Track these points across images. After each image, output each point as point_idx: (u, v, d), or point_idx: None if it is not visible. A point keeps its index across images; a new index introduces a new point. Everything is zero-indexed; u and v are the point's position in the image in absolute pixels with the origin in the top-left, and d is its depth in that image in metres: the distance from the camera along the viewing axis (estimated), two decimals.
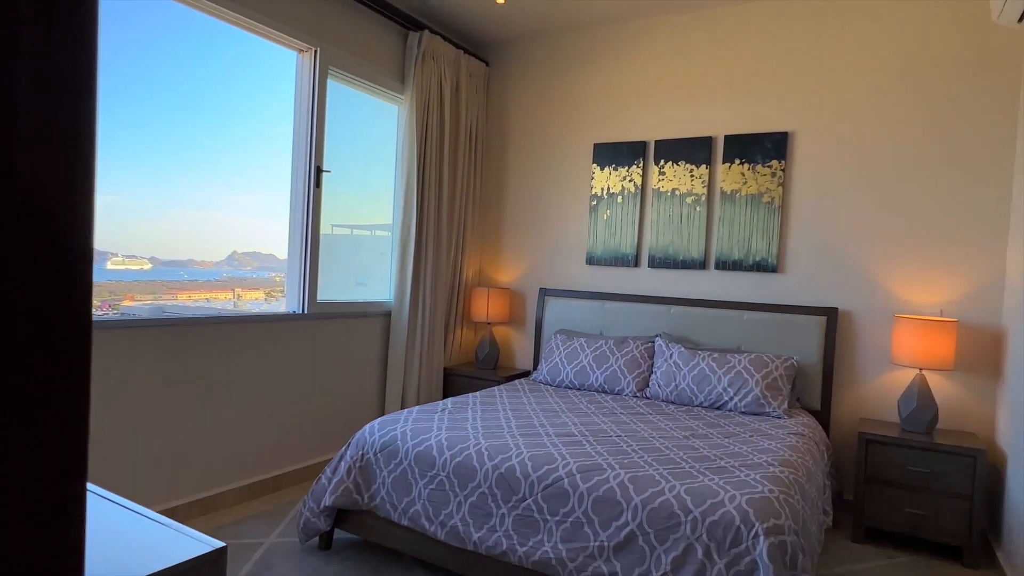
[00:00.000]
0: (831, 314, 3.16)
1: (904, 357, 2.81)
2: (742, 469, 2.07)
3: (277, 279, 3.25)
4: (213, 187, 2.81)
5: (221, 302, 3.03)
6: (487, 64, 4.28)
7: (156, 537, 0.92)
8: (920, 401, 2.79)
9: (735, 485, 1.90)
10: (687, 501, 1.82)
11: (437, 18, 3.90)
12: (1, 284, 0.37)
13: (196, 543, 0.91)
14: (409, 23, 3.65)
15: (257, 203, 3.07)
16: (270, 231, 3.16)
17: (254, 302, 3.19)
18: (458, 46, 3.93)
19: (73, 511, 0.42)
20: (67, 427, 0.41)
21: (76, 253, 0.41)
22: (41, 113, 0.39)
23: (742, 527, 1.72)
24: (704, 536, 1.75)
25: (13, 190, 0.37)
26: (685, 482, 1.92)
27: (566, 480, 1.99)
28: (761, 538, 1.68)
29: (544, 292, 3.99)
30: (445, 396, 4.00)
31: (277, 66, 3.11)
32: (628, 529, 1.84)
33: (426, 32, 3.67)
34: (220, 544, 0.98)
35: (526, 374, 4.03)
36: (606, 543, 1.86)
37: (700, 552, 1.74)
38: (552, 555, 1.93)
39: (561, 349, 3.58)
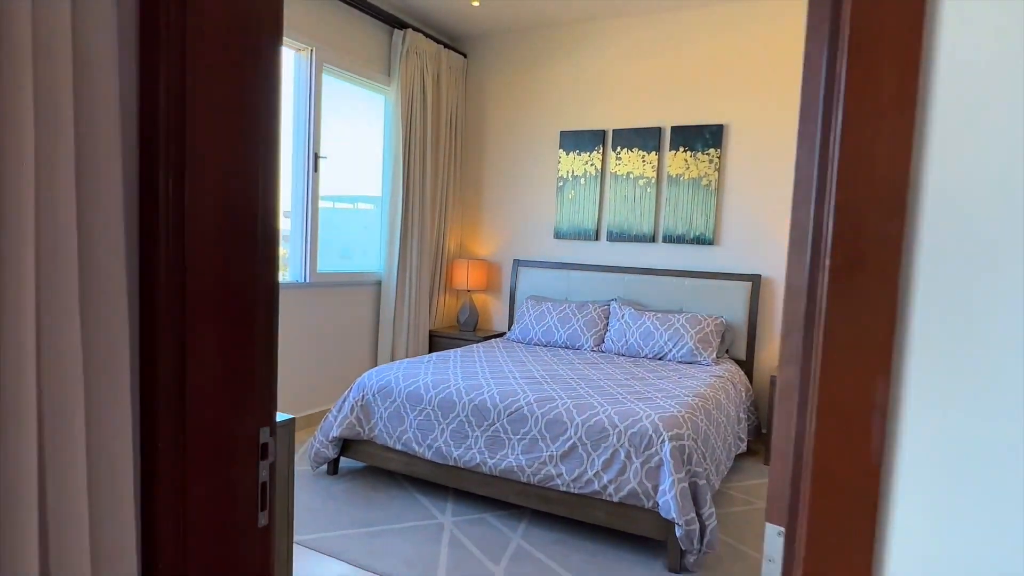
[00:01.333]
0: (755, 280, 3.74)
1: None
2: (663, 399, 2.65)
3: None
4: None
5: None
6: (465, 57, 4.73)
7: None
8: None
9: (653, 408, 2.48)
10: (615, 419, 2.39)
11: (419, 16, 4.34)
12: (250, 264, 0.89)
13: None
14: (394, 22, 4.09)
15: None
16: None
17: None
18: (438, 41, 4.38)
19: (272, 405, 0.94)
20: (272, 357, 0.94)
21: (273, 241, 0.93)
22: (267, 156, 0.90)
23: (653, 435, 2.30)
24: (626, 443, 2.32)
25: (255, 205, 0.89)
26: (616, 407, 2.49)
27: (525, 408, 2.55)
28: (666, 442, 2.27)
29: (517, 263, 4.52)
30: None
31: None
32: (571, 442, 2.42)
33: (409, 30, 4.12)
34: (290, 416, 1.50)
35: (502, 335, 4.58)
36: (555, 453, 2.44)
37: (623, 455, 2.32)
38: (515, 464, 2.50)
39: (531, 312, 4.13)
